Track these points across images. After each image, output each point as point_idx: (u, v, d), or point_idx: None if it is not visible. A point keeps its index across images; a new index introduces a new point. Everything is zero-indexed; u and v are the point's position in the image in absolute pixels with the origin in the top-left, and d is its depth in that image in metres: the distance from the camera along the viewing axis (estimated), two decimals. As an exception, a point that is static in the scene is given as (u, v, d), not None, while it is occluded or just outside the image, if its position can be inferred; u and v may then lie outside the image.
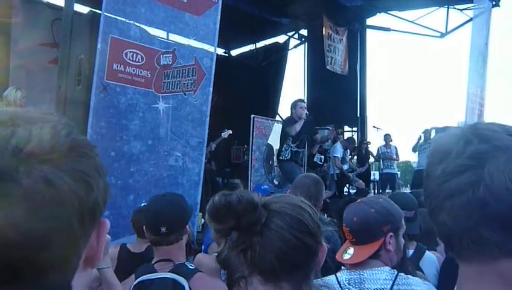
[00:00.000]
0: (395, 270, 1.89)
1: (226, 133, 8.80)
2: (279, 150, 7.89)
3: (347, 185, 10.83)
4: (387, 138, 11.44)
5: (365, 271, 1.89)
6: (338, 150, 10.48)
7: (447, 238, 0.84)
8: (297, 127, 7.19)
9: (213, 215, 1.08)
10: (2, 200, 0.52)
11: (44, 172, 0.55)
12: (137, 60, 4.52)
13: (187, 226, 2.42)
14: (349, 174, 10.48)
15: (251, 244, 1.08)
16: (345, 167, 10.61)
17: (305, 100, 12.59)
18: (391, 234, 1.96)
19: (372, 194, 10.00)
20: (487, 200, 0.76)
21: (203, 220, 5.29)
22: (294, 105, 7.36)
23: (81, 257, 0.64)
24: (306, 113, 7.31)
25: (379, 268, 1.89)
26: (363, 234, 1.97)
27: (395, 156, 11.48)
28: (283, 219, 1.10)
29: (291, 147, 7.56)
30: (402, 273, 1.86)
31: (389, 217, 1.98)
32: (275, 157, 10.05)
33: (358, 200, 2.06)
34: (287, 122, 7.50)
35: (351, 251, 1.97)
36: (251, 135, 9.02)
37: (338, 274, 1.92)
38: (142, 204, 3.21)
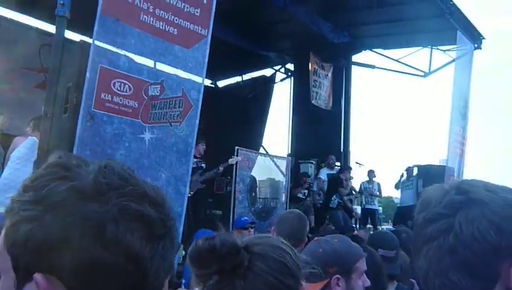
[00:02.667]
0: None
1: (233, 160, 8.81)
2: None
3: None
4: (370, 174, 11.55)
5: None
6: (322, 172, 10.56)
7: (423, 280, 0.89)
8: None
9: (195, 260, 1.07)
10: None
11: None
12: (125, 90, 4.52)
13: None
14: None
15: (234, 288, 1.07)
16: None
17: (290, 133, 12.78)
18: (338, 276, 1.91)
19: (355, 230, 10.00)
20: (456, 247, 0.82)
21: (183, 252, 5.23)
22: None
23: None
24: None
25: None
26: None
27: (377, 192, 11.57)
28: (266, 262, 1.09)
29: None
30: None
31: (337, 258, 1.94)
32: (257, 189, 10.06)
33: (315, 239, 2.05)
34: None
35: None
36: (235, 166, 9.01)
37: None
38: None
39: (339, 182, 10.45)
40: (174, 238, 0.75)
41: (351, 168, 11.32)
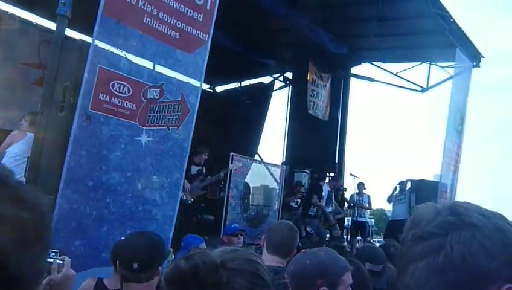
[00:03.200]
0: None
1: (233, 166, 8.85)
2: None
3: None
4: (360, 186, 11.58)
5: None
6: (324, 189, 10.56)
7: None
8: None
9: (176, 282, 1.07)
10: None
11: None
12: (124, 91, 4.50)
13: (159, 268, 2.39)
14: (331, 217, 10.48)
15: None
16: (329, 209, 10.60)
17: (285, 142, 12.80)
18: (324, 288, 1.93)
19: (345, 242, 10.03)
20: (445, 268, 0.82)
21: (173, 256, 5.21)
22: None
23: None
24: None
25: None
26: (297, 284, 1.98)
27: (366, 205, 11.61)
28: (244, 277, 1.10)
29: None
30: None
31: (324, 270, 1.97)
32: (250, 196, 10.05)
33: (303, 250, 2.06)
34: None
35: None
36: (229, 172, 9.01)
37: None
38: (122, 238, 3.16)
39: (317, 187, 10.52)
40: (46, 244, 0.72)
41: (339, 178, 11.33)
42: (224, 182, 9.37)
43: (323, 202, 10.46)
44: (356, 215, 11.42)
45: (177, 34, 4.96)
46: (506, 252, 0.81)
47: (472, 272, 0.80)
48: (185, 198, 7.72)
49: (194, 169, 8.20)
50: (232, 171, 9.05)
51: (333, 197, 10.92)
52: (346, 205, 11.87)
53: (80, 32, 7.54)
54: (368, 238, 11.68)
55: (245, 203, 9.93)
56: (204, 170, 8.49)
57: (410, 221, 0.93)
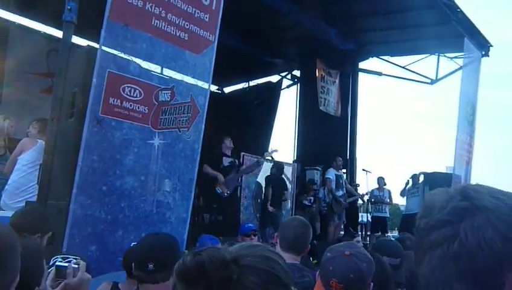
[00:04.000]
0: None
1: (268, 153, 8.95)
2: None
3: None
4: (380, 181, 11.40)
5: None
6: (330, 172, 10.47)
7: (426, 288, 0.88)
8: None
9: (183, 277, 1.04)
10: None
11: None
12: (135, 95, 4.51)
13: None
14: (342, 201, 10.38)
15: None
16: (340, 192, 10.49)
17: (296, 140, 12.75)
18: (371, 284, 1.97)
19: (359, 238, 9.93)
20: (460, 255, 0.81)
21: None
22: None
23: None
24: None
25: None
26: (355, 288, 1.94)
27: (387, 200, 11.40)
28: (256, 275, 1.06)
29: None
30: None
31: (372, 270, 1.99)
32: (263, 195, 10.04)
33: (347, 252, 2.00)
34: None
35: None
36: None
37: None
38: (132, 244, 3.16)
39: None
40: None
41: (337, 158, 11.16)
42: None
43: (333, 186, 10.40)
44: (374, 211, 11.28)
45: (186, 35, 4.97)
46: None
47: (488, 258, 0.79)
48: (220, 191, 7.76)
49: (226, 161, 8.20)
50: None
51: (343, 181, 10.78)
52: (360, 201, 11.75)
53: (87, 38, 7.55)
54: (387, 234, 11.56)
55: (257, 203, 9.92)
56: (237, 162, 8.50)
57: (422, 209, 0.92)
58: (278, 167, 9.58)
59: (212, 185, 7.90)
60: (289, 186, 10.37)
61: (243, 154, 9.05)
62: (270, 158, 9.26)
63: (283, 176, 9.96)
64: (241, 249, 1.11)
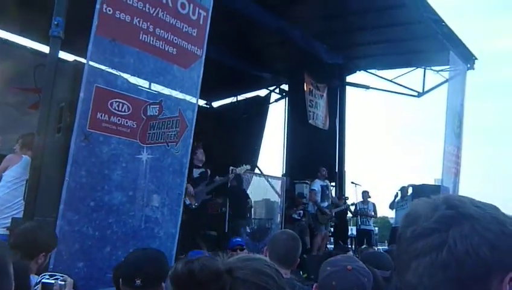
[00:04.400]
0: None
1: (242, 169, 8.78)
2: None
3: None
4: (364, 194, 11.49)
5: None
6: (315, 184, 10.45)
7: None
8: None
9: (175, 284, 1.04)
10: None
11: None
12: (123, 109, 4.49)
13: (163, 285, 2.35)
14: (327, 211, 10.35)
15: None
16: (325, 203, 10.46)
17: (284, 154, 12.76)
18: None
19: (351, 252, 9.90)
20: (449, 263, 0.82)
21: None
22: None
23: None
24: None
25: None
26: None
27: (372, 213, 11.49)
28: (248, 288, 1.06)
29: None
30: None
31: (371, 280, 1.99)
32: (252, 210, 9.98)
33: (349, 267, 1.97)
34: None
35: None
36: (229, 185, 8.95)
37: None
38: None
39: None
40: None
41: (322, 168, 11.14)
42: (225, 197, 9.32)
43: (318, 198, 10.37)
44: (360, 223, 11.34)
45: (174, 49, 4.97)
46: (506, 241, 0.83)
47: (475, 266, 0.81)
48: (188, 202, 7.58)
49: (196, 172, 7.92)
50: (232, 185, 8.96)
51: (329, 191, 10.78)
52: (349, 214, 11.76)
53: (74, 54, 7.52)
54: (374, 247, 11.57)
55: (247, 218, 9.86)
56: (209, 173, 8.31)
57: (406, 218, 0.93)
58: (238, 179, 9.50)
59: None
60: (278, 200, 10.35)
61: (232, 169, 9.00)
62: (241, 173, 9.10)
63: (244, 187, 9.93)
64: (237, 261, 1.12)
